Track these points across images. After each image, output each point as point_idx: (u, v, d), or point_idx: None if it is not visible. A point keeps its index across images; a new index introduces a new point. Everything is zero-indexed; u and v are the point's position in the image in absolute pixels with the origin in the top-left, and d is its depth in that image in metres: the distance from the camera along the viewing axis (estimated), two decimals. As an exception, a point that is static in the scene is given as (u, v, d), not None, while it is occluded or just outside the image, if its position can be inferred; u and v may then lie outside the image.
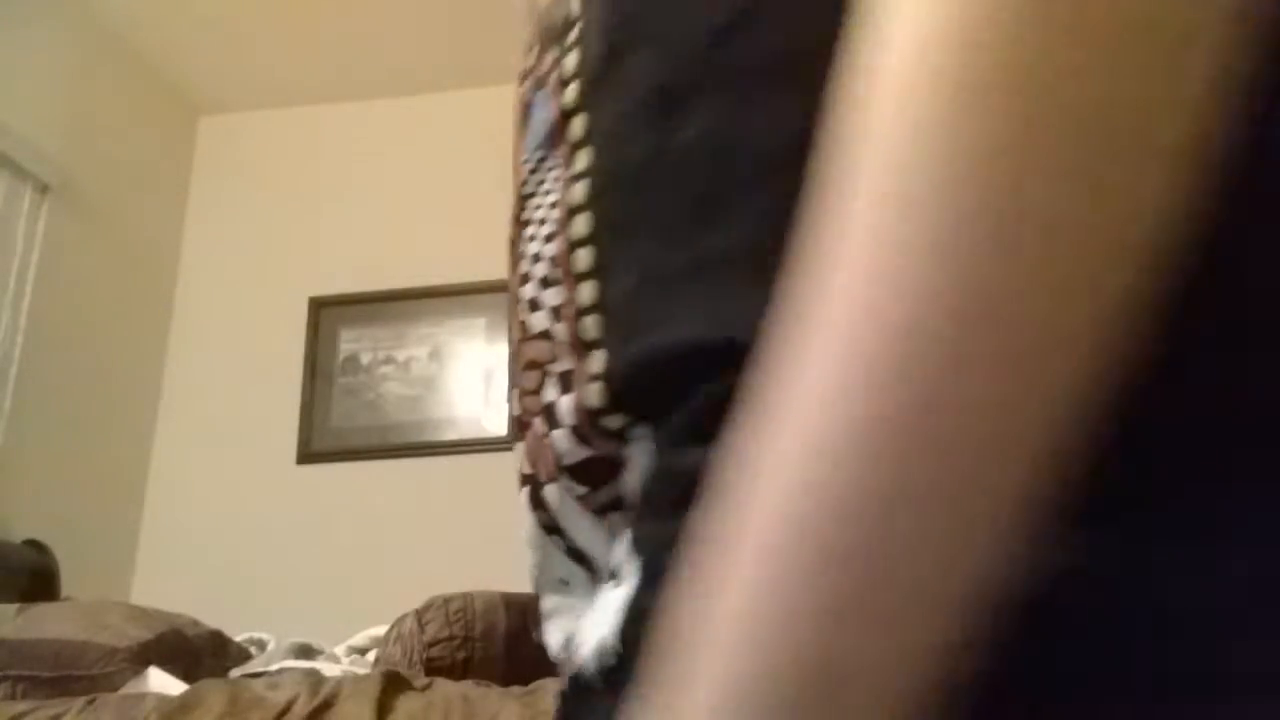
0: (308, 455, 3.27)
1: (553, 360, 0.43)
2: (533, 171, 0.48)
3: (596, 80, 0.43)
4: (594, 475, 0.41)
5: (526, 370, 0.45)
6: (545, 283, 0.44)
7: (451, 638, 1.53)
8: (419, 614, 1.65)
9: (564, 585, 0.46)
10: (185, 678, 1.50)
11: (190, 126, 3.87)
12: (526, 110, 0.51)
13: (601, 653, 0.39)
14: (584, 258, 0.42)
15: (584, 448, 0.41)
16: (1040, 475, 0.26)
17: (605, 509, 0.42)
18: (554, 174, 0.46)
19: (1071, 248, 0.24)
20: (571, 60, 0.45)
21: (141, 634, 1.60)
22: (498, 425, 3.29)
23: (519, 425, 0.47)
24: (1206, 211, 0.25)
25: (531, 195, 0.48)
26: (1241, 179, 0.26)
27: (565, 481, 0.43)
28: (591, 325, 0.41)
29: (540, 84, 0.50)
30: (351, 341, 3.48)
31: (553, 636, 0.46)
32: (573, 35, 0.46)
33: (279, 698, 1.28)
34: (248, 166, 3.73)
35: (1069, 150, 0.24)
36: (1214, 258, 0.27)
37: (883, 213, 0.25)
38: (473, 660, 1.51)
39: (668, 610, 0.30)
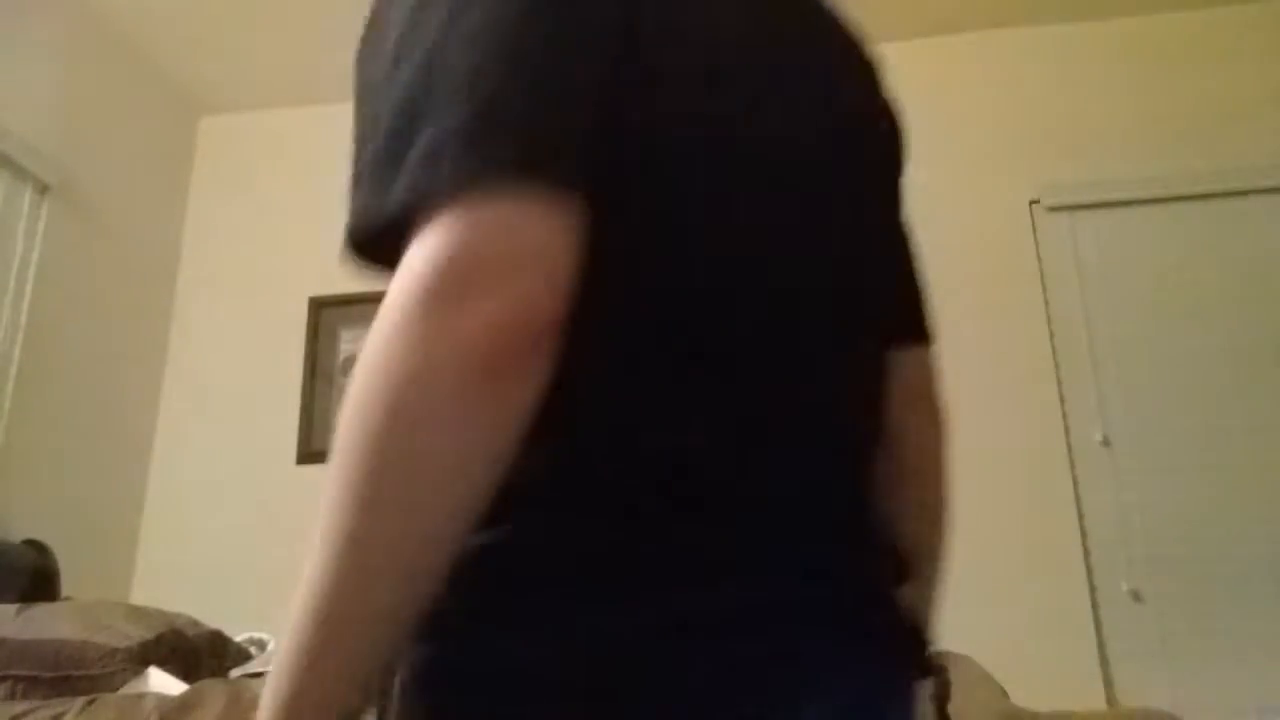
0: (308, 455, 3.27)
1: None
2: None
3: None
4: None
5: None
6: None
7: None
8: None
9: None
10: (185, 678, 1.50)
11: (190, 126, 3.86)
12: None
13: None
14: None
15: None
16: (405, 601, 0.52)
17: None
18: None
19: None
20: None
21: (141, 634, 1.59)
22: (498, 425, 3.28)
23: None
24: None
25: None
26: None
27: None
28: None
29: None
30: (351, 341, 3.48)
31: None
32: None
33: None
34: (248, 166, 3.72)
35: None
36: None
37: None
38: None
39: None
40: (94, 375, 3.17)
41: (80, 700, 1.28)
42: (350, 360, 3.46)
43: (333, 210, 4.16)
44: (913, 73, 3.49)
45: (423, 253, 0.48)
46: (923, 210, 3.53)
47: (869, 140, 0.76)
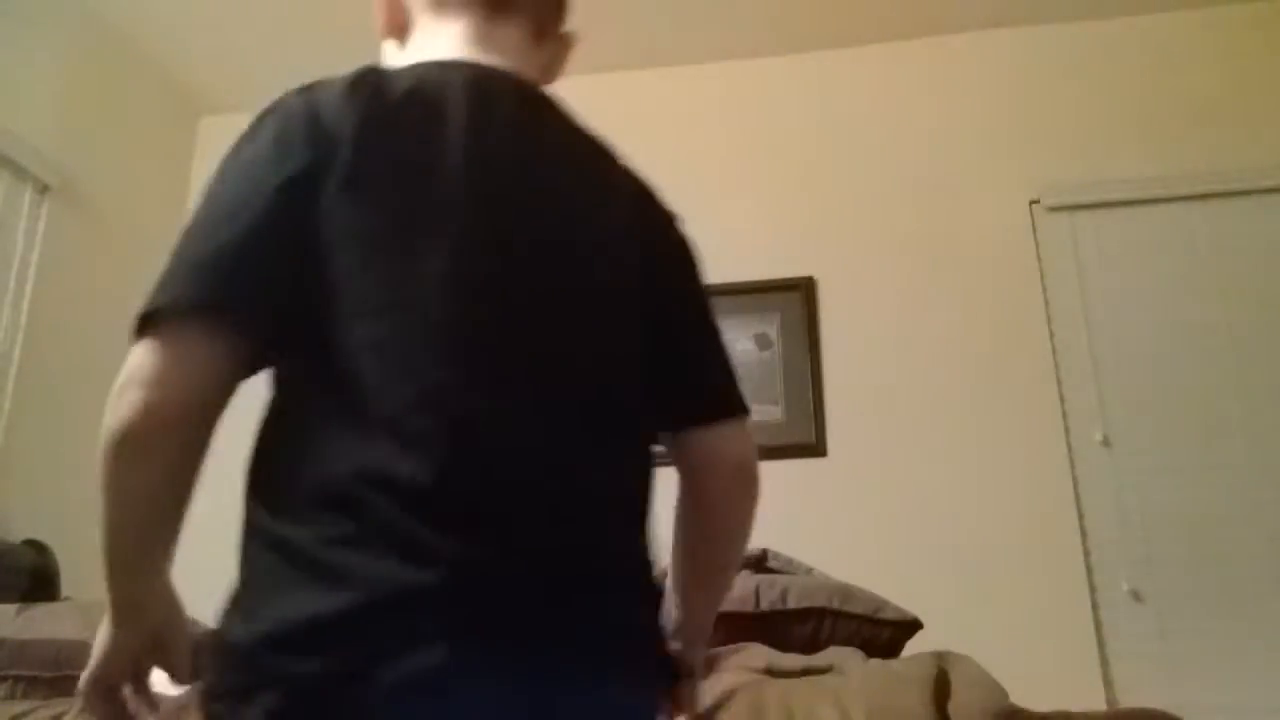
0: (308, 455, 3.27)
1: None
2: None
3: None
4: None
5: None
6: None
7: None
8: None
9: None
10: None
11: (190, 126, 3.86)
12: None
13: None
14: None
15: None
16: None
17: None
18: None
19: None
20: None
21: (142, 634, 1.59)
22: (498, 425, 3.28)
23: None
24: None
25: None
26: None
27: None
28: None
29: None
30: (351, 341, 3.48)
31: None
32: None
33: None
34: (248, 166, 3.73)
35: None
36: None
37: None
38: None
39: None
40: (94, 375, 3.17)
41: (80, 699, 1.28)
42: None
43: (333, 210, 4.13)
44: (913, 73, 3.50)
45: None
46: (923, 210, 3.56)
47: (619, 262, 0.91)
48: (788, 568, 1.80)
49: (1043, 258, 3.20)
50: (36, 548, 2.59)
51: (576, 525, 0.80)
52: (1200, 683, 2.73)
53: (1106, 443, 3.00)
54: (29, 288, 2.97)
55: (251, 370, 0.82)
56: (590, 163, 0.96)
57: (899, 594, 1.64)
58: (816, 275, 3.29)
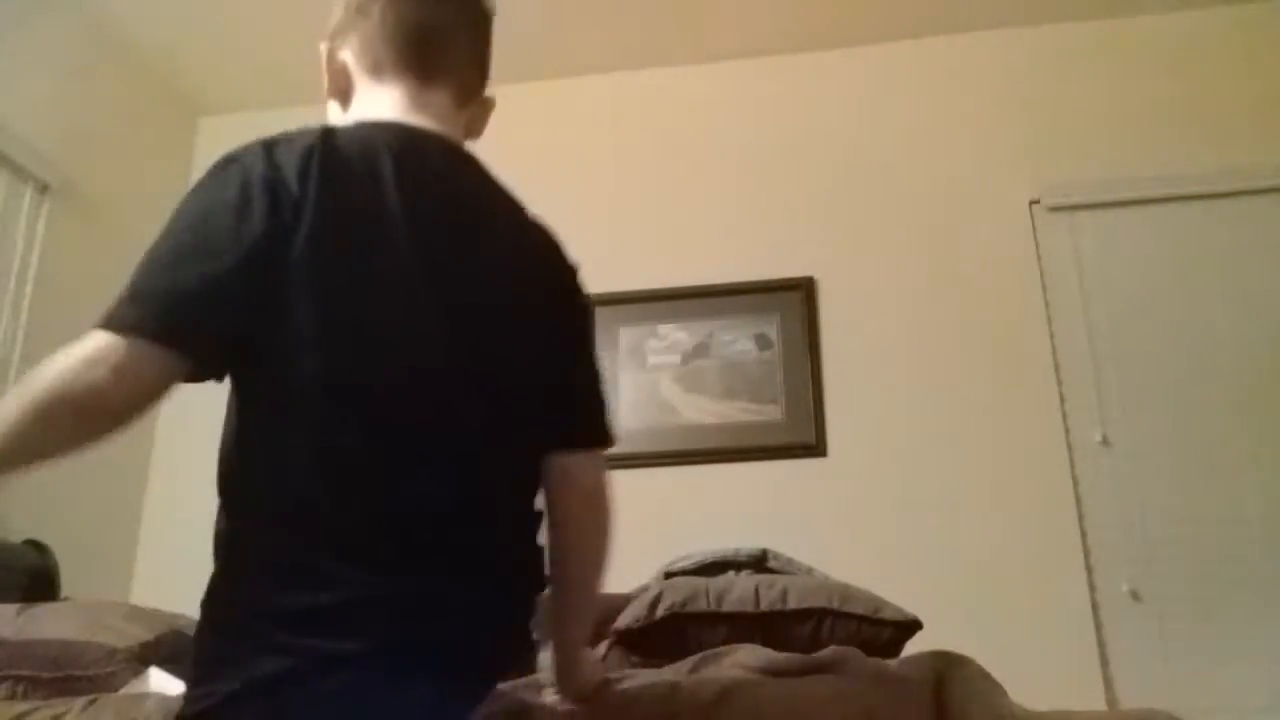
0: (308, 455, 3.27)
1: None
2: None
3: None
4: None
5: None
6: None
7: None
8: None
9: None
10: (186, 678, 1.50)
11: (190, 126, 3.86)
12: None
13: None
14: None
15: None
16: None
17: None
18: None
19: None
20: None
21: (142, 634, 1.59)
22: (498, 425, 3.29)
23: None
24: None
25: None
26: None
27: None
28: None
29: None
30: (351, 341, 3.48)
31: None
32: None
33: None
34: (248, 166, 3.72)
35: None
36: None
37: None
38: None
39: None
40: (94, 375, 3.17)
41: (81, 700, 1.28)
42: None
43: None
44: (913, 73, 3.50)
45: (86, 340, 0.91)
46: (923, 210, 3.56)
47: (526, 305, 1.07)
48: (788, 568, 1.81)
49: (1043, 258, 3.20)
50: (36, 548, 2.59)
51: (457, 555, 0.96)
52: (1200, 683, 2.73)
53: (1106, 443, 3.00)
54: (29, 288, 2.97)
55: (190, 380, 0.96)
56: (506, 215, 1.12)
57: (899, 594, 1.64)
58: (816, 275, 3.29)
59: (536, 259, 1.11)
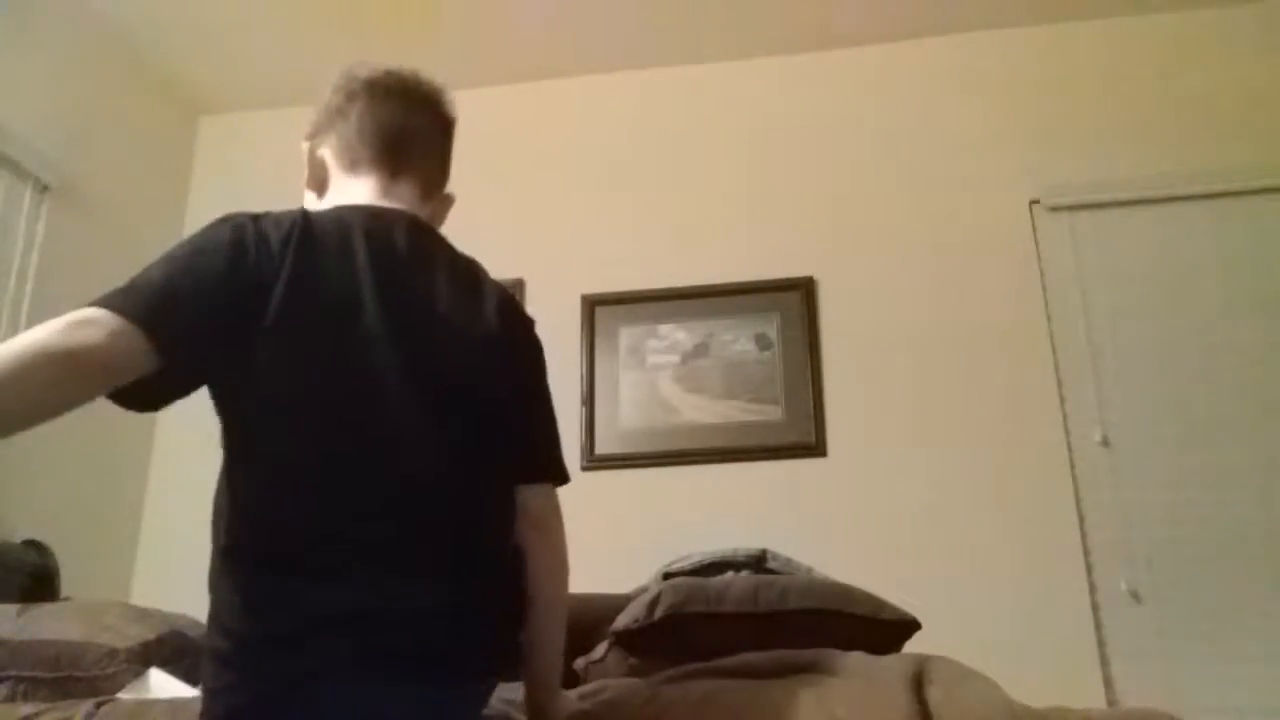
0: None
1: None
2: None
3: None
4: None
5: None
6: None
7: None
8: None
9: None
10: (186, 678, 1.50)
11: (190, 126, 3.87)
12: None
13: None
14: None
15: None
16: None
17: None
18: None
19: None
20: None
21: (142, 634, 1.59)
22: (498, 425, 3.29)
23: None
24: None
25: None
26: None
27: None
28: None
29: None
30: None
31: None
32: None
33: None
34: (248, 166, 3.72)
35: None
36: None
37: None
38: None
39: None
40: (94, 375, 3.17)
41: (87, 704, 1.28)
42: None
43: (333, 210, 4.08)
44: (913, 73, 3.50)
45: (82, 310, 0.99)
46: (923, 210, 3.56)
47: (488, 362, 1.18)
48: (787, 568, 1.80)
49: (1043, 258, 3.20)
50: (36, 548, 2.59)
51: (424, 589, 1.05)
52: (1200, 683, 2.73)
53: (1106, 443, 3.00)
54: (29, 288, 2.97)
55: (148, 374, 1.01)
56: (467, 279, 1.23)
57: (899, 594, 1.64)
58: (816, 275, 3.30)
59: (497, 317, 1.22)
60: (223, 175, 3.76)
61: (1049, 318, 3.13)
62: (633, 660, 1.49)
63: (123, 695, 1.41)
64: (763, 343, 3.25)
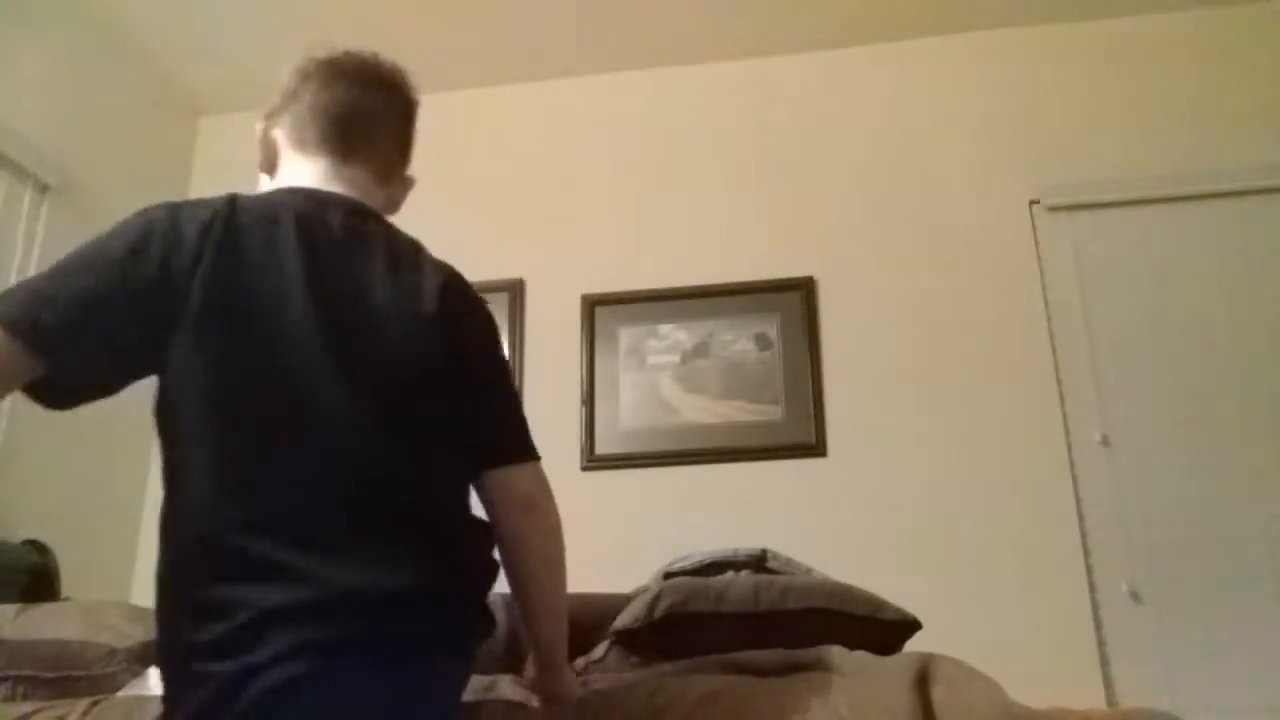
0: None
1: None
2: None
3: None
4: None
5: None
6: None
7: (452, 638, 1.52)
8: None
9: None
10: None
11: (190, 126, 3.86)
12: None
13: None
14: None
15: None
16: None
17: None
18: None
19: None
20: None
21: (142, 634, 1.59)
22: (498, 425, 3.29)
23: None
24: None
25: None
26: None
27: None
28: None
29: None
30: (351, 341, 3.48)
31: None
32: None
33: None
34: (248, 166, 3.71)
35: None
36: None
37: None
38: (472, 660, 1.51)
39: None
40: (94, 375, 3.17)
41: (83, 702, 1.28)
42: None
43: (333, 210, 4.07)
44: (912, 73, 3.50)
45: None
46: (923, 210, 3.56)
47: (427, 348, 1.14)
48: (787, 568, 1.80)
49: (1043, 258, 3.20)
50: (36, 548, 2.59)
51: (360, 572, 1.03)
52: (1200, 683, 2.73)
53: (1106, 443, 3.00)
54: (29, 288, 2.97)
55: (43, 389, 1.03)
56: (406, 264, 1.19)
57: (899, 594, 1.64)
58: (816, 275, 3.30)
59: (438, 300, 1.18)
60: (223, 175, 3.74)
61: (1049, 318, 3.13)
62: (633, 659, 1.49)
63: (122, 695, 1.41)
64: (763, 343, 3.25)
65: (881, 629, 1.49)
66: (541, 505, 1.21)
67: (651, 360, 3.30)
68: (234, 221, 1.08)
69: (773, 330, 3.26)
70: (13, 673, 1.49)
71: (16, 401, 3.08)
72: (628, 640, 1.50)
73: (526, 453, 1.22)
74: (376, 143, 1.31)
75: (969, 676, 1.16)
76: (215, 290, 1.03)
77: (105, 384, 1.07)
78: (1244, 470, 2.90)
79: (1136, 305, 3.11)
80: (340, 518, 1.02)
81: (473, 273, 4.00)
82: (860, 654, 1.26)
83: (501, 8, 3.35)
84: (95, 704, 1.28)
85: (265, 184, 1.30)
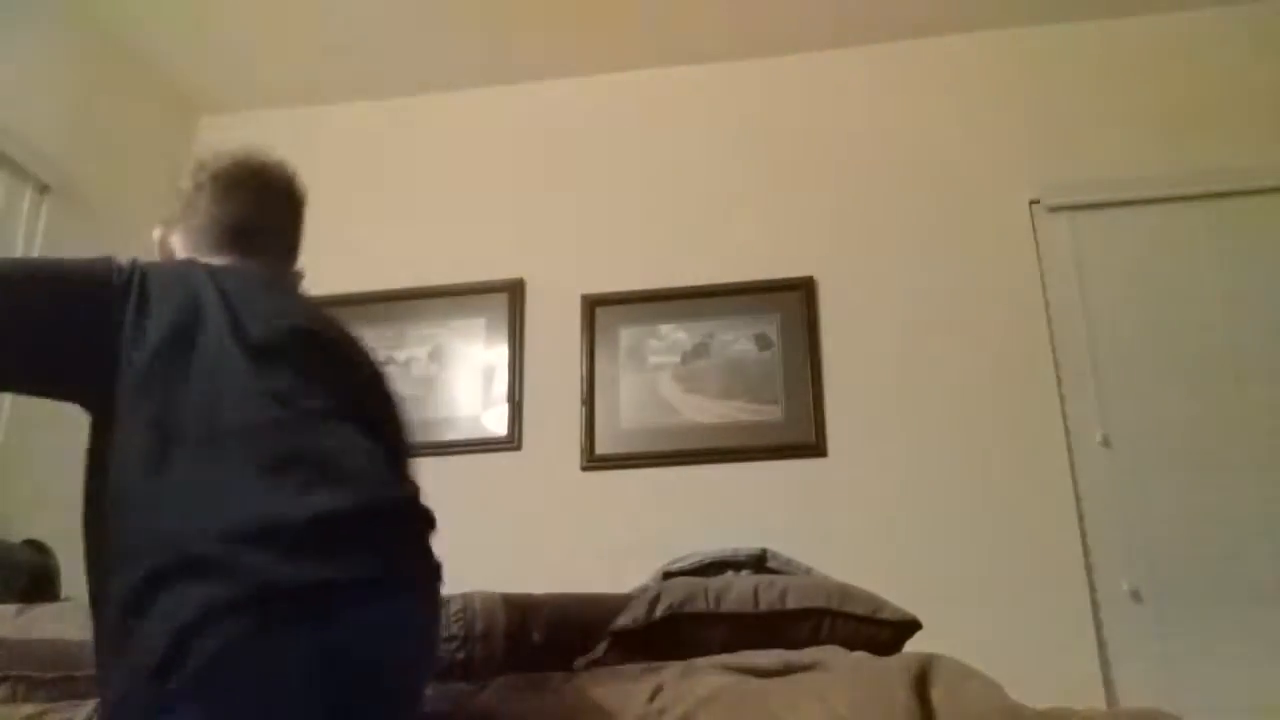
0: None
1: None
2: None
3: None
4: None
5: None
6: None
7: (451, 638, 1.52)
8: (419, 614, 1.64)
9: None
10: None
11: (190, 126, 3.86)
12: None
13: None
14: None
15: None
16: None
17: None
18: None
19: None
20: None
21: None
22: (497, 425, 3.29)
23: None
24: None
25: None
26: None
27: None
28: None
29: None
30: (351, 341, 3.48)
31: None
32: None
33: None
34: (248, 166, 3.72)
35: None
36: None
37: None
38: (472, 661, 1.51)
39: None
40: (94, 375, 3.17)
41: (88, 705, 1.28)
42: (350, 360, 3.46)
43: (333, 210, 4.17)
44: (913, 73, 3.50)
45: None
46: (923, 210, 3.56)
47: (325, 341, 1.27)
48: (787, 568, 1.80)
49: (1043, 258, 3.20)
50: (36, 548, 2.59)
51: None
52: (1200, 683, 2.73)
53: (1106, 443, 3.00)
54: (29, 288, 2.97)
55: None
56: (326, 315, 1.32)
57: (899, 594, 1.64)
58: (816, 275, 3.29)
59: (326, 319, 1.31)
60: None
61: (1049, 318, 3.13)
62: (633, 660, 1.49)
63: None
64: (763, 343, 3.25)
65: (881, 629, 1.49)
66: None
67: (651, 360, 3.30)
68: (157, 267, 1.21)
69: (773, 330, 3.26)
70: (12, 673, 1.49)
71: (17, 401, 3.08)
72: (627, 640, 1.50)
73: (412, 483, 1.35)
74: (269, 245, 1.41)
75: (968, 676, 1.16)
76: (152, 322, 1.15)
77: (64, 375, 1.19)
78: (1245, 470, 2.90)
79: (1136, 305, 3.11)
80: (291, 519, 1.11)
81: (473, 273, 4.00)
82: (859, 654, 1.26)
83: (501, 8, 3.35)
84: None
85: None
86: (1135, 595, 2.85)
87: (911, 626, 1.54)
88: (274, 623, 0.92)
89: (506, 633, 1.51)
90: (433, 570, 1.12)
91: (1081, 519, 2.93)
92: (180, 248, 1.38)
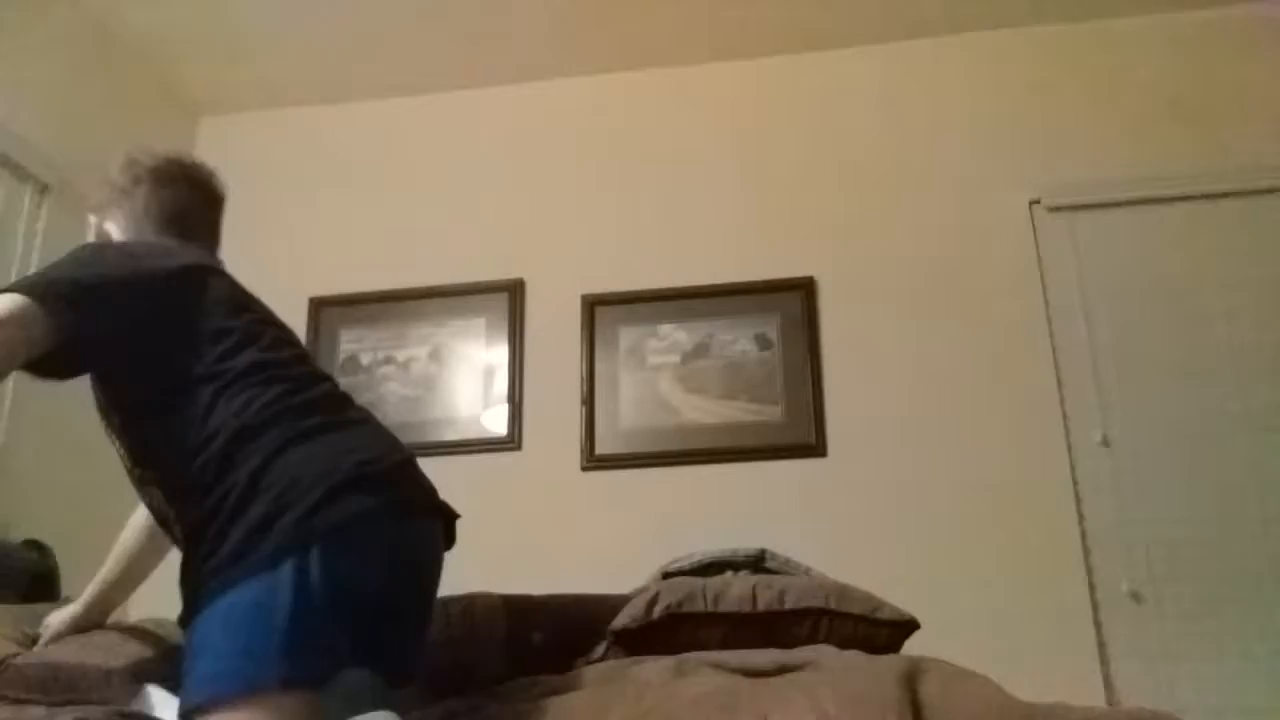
0: (308, 455, 3.26)
1: None
2: None
3: None
4: None
5: None
6: None
7: (452, 640, 1.52)
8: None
9: None
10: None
11: (190, 126, 3.86)
12: None
13: None
14: None
15: None
16: None
17: None
18: None
19: None
20: None
21: (138, 652, 1.59)
22: (497, 425, 3.29)
23: None
24: None
25: None
26: None
27: None
28: None
29: None
30: (352, 342, 3.48)
31: None
32: None
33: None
34: (247, 166, 3.72)
35: None
36: None
37: None
38: (473, 662, 1.51)
39: None
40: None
41: (105, 709, 1.28)
42: (351, 360, 3.46)
43: (333, 211, 4.17)
44: (913, 73, 3.50)
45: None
46: (923, 210, 3.55)
47: None
48: (785, 568, 1.81)
49: (1043, 258, 3.20)
50: (36, 548, 2.59)
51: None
52: (1200, 683, 2.73)
53: (1106, 443, 3.00)
54: (29, 288, 2.97)
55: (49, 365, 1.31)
56: None
57: (898, 594, 1.64)
58: (816, 275, 3.29)
59: None
60: (223, 175, 3.75)
61: (1049, 318, 3.13)
62: (631, 659, 1.49)
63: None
64: (763, 343, 3.25)
65: (879, 629, 1.49)
66: None
67: (651, 360, 3.30)
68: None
69: (773, 330, 3.26)
70: (9, 694, 1.49)
71: (17, 401, 3.08)
72: (626, 640, 1.50)
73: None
74: (202, 234, 1.64)
75: (960, 675, 1.16)
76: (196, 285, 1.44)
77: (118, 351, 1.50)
78: (1245, 470, 2.90)
79: (1136, 305, 3.11)
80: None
81: (473, 273, 4.00)
82: (851, 653, 1.26)
83: (501, 8, 3.35)
84: (124, 715, 1.28)
85: None
86: (1135, 595, 2.85)
87: (910, 626, 1.54)
88: (389, 507, 1.26)
89: (507, 634, 1.51)
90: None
91: (1081, 519, 2.93)
92: (118, 231, 1.56)
